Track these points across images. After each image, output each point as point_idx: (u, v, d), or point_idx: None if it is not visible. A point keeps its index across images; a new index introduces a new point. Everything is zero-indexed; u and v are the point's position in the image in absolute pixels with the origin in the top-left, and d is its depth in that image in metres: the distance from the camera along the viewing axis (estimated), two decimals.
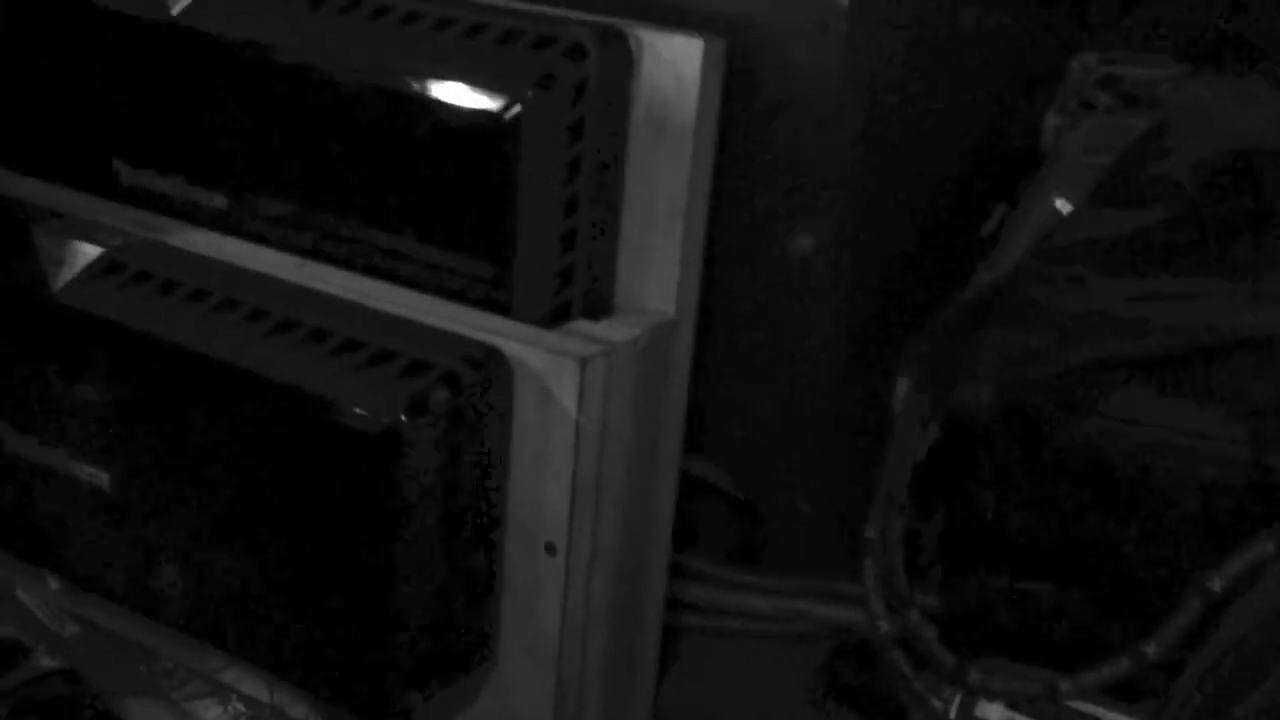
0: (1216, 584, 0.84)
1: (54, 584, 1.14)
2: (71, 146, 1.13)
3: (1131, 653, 0.86)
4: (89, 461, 1.03)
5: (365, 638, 0.94)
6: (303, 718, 1.09)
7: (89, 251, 1.03)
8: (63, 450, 1.04)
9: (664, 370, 1.00)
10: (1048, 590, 0.93)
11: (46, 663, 1.15)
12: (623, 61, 0.95)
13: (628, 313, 1.00)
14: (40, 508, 1.08)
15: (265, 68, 1.00)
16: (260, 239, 1.05)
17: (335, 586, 0.94)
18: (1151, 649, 0.86)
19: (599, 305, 0.99)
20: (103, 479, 1.03)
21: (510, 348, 0.93)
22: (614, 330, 0.97)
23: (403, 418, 0.88)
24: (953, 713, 0.92)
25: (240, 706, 1.11)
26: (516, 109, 0.91)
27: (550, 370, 0.92)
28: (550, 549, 0.95)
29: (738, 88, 1.00)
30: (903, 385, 0.96)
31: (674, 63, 0.95)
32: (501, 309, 0.96)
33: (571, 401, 0.92)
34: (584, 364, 0.91)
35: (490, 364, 0.92)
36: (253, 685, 1.09)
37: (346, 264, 1.01)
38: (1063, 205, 1.08)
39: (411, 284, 0.99)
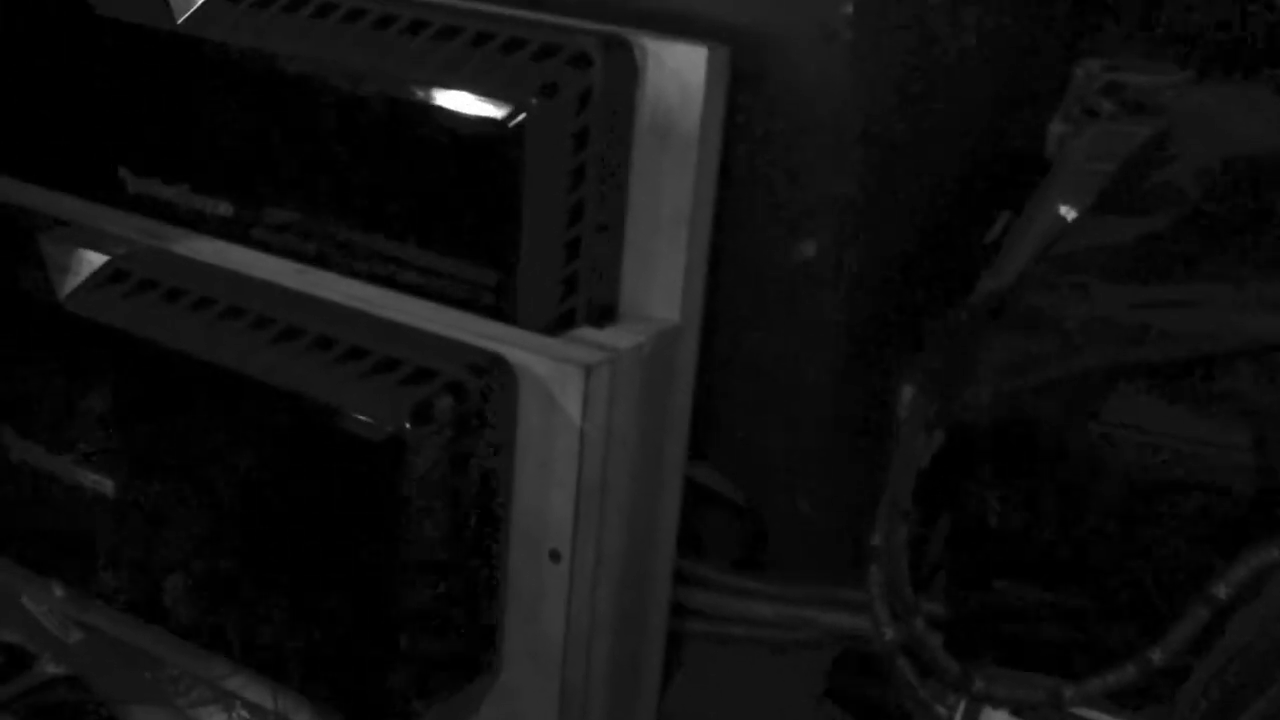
0: (1222, 591, 0.84)
1: (59, 591, 1.14)
2: (77, 154, 1.13)
3: (1137, 660, 0.86)
4: (94, 468, 1.03)
5: (369, 644, 0.94)
6: None
7: (94, 259, 1.03)
8: (68, 457, 1.04)
9: (668, 377, 1.00)
10: (1053, 597, 0.93)
11: (51, 670, 1.15)
12: (627, 70, 0.95)
13: (632, 319, 1.00)
14: (45, 515, 1.08)
15: (270, 76, 1.00)
16: (265, 247, 1.05)
17: (339, 594, 0.94)
18: (1157, 656, 0.86)
19: (603, 312, 0.99)
20: (107, 486, 1.03)
21: (514, 355, 0.93)
22: (618, 337, 0.97)
23: (407, 425, 0.88)
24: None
25: (244, 713, 1.11)
26: (521, 117, 0.91)
27: (555, 377, 0.92)
28: (554, 556, 0.95)
29: (742, 95, 1.00)
30: (907, 392, 0.96)
31: (678, 71, 0.95)
32: (506, 316, 0.96)
33: (576, 408, 0.92)
34: (588, 371, 0.91)
35: (494, 371, 0.92)
36: (257, 692, 1.09)
37: (350, 271, 1.01)
38: (1067, 212, 1.07)
39: (415, 291, 0.99)
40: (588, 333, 0.97)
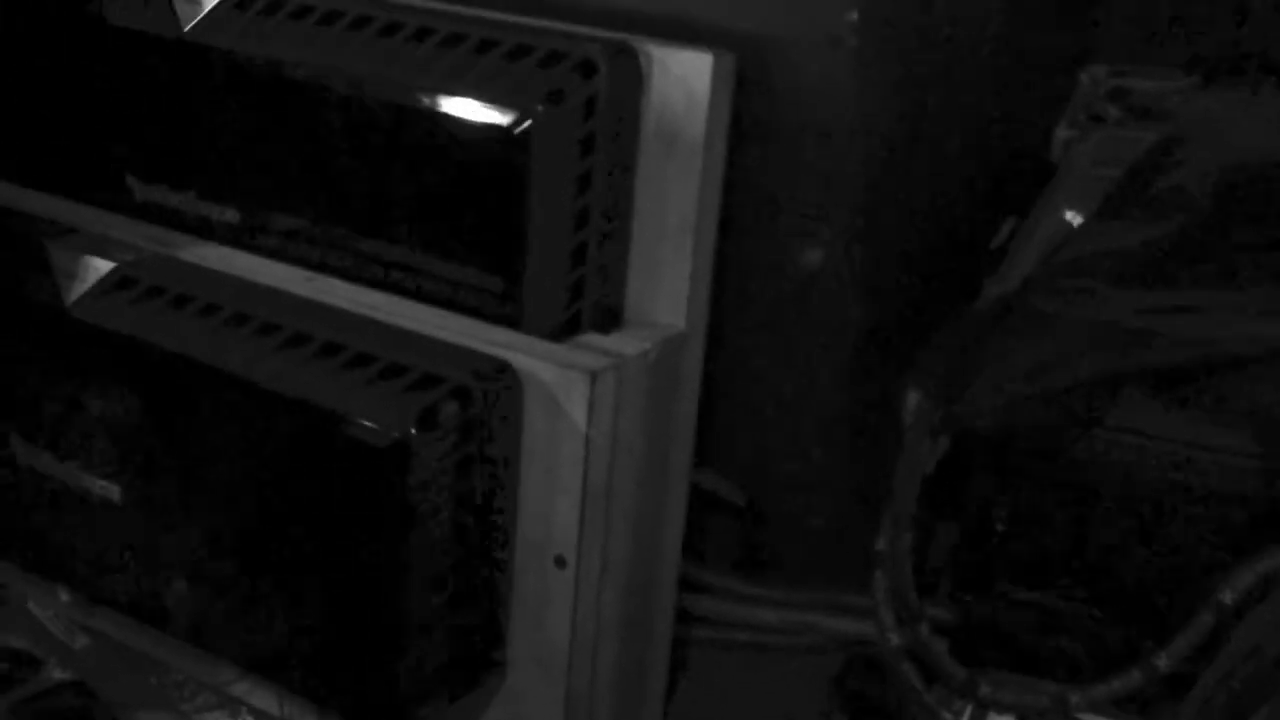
0: (1228, 596, 0.84)
1: (65, 596, 1.15)
2: (85, 162, 1.14)
3: (1143, 665, 0.86)
4: (100, 474, 1.03)
5: (375, 650, 0.94)
6: None
7: (102, 266, 1.04)
8: (74, 463, 1.05)
9: (674, 383, 1.00)
10: (1058, 603, 0.93)
11: (58, 675, 1.15)
12: (633, 77, 0.95)
13: (638, 326, 1.00)
14: (52, 520, 1.08)
15: (277, 83, 1.01)
16: (271, 254, 1.05)
17: (345, 599, 0.95)
18: (1163, 661, 0.86)
19: (609, 319, 0.99)
20: (114, 492, 1.03)
21: (520, 361, 0.93)
22: (624, 343, 0.97)
23: (413, 431, 0.88)
24: None
25: (250, 719, 1.11)
26: (527, 124, 0.91)
27: (560, 384, 0.92)
28: (560, 562, 0.95)
29: (747, 102, 1.00)
30: (912, 398, 0.96)
31: (684, 78, 0.95)
32: (512, 323, 0.96)
33: (581, 415, 0.92)
34: (594, 377, 0.92)
35: (500, 377, 0.92)
36: (263, 698, 1.09)
37: (357, 278, 1.02)
38: (1072, 217, 1.08)
39: (421, 298, 0.99)
40: (593, 339, 0.97)
